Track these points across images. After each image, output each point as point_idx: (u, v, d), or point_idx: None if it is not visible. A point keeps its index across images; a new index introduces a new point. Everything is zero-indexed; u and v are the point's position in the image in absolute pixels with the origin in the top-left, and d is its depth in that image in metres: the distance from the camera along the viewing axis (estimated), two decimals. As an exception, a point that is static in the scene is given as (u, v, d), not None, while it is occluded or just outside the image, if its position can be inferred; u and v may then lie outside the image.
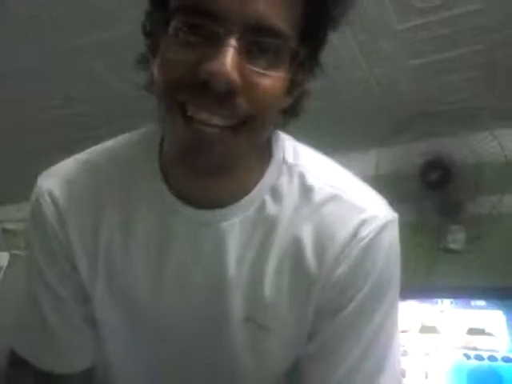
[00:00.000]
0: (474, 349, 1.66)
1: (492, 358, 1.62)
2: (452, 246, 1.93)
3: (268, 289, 0.59)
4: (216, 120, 0.48)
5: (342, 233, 0.59)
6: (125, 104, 1.92)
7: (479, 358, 1.64)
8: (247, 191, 0.60)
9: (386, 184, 2.01)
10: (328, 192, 0.61)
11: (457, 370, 1.66)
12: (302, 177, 0.61)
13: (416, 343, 1.76)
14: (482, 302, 1.70)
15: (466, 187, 1.84)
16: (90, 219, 0.63)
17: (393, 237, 0.62)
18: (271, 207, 0.60)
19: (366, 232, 0.59)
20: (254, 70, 0.48)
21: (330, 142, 2.29)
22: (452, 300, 1.75)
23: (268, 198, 0.60)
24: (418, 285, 1.90)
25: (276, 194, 0.60)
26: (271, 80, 0.49)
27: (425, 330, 1.76)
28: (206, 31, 0.47)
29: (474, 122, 1.84)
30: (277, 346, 0.62)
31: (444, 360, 1.69)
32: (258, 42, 0.48)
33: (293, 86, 0.55)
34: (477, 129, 1.86)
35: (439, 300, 1.77)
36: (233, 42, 0.46)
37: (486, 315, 1.68)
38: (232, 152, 0.51)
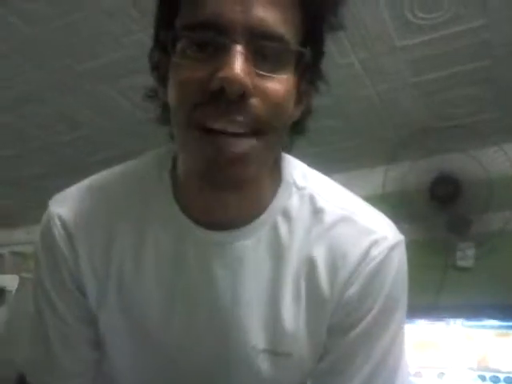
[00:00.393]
0: (490, 370, 1.62)
1: (508, 380, 1.58)
2: (461, 263, 1.90)
3: (287, 317, 0.59)
4: (233, 128, 0.49)
5: (354, 253, 0.60)
6: (131, 126, 1.95)
7: (495, 379, 1.60)
8: (259, 213, 0.60)
9: (393, 202, 2.00)
10: (338, 214, 0.62)
11: (471, 391, 1.62)
12: (312, 199, 0.62)
13: (430, 365, 1.72)
14: (494, 322, 1.66)
15: (475, 203, 1.83)
16: (101, 242, 0.63)
17: (402, 257, 0.63)
18: (283, 229, 0.61)
19: (377, 252, 0.60)
20: (261, 73, 0.49)
21: (336, 160, 2.30)
22: (463, 320, 1.72)
23: (280, 220, 0.61)
24: (428, 304, 1.87)
25: (287, 215, 0.61)
26: (279, 82, 0.51)
27: (438, 351, 1.73)
28: (212, 45, 0.49)
29: (482, 136, 1.83)
30: (292, 369, 0.62)
31: (458, 382, 1.65)
32: (263, 48, 0.49)
33: (300, 96, 0.57)
34: (485, 144, 1.85)
35: (451, 320, 1.74)
36: (240, 48, 0.48)
37: (499, 335, 1.65)
38: (250, 160, 0.51)
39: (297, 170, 0.65)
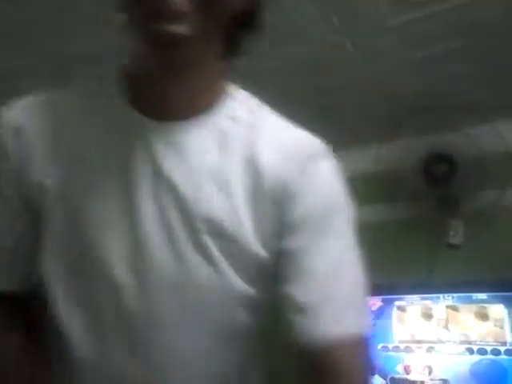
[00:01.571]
0: (477, 343, 1.66)
1: (495, 352, 1.62)
2: (453, 240, 1.93)
3: (236, 198, 0.62)
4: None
5: (294, 156, 0.64)
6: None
7: (482, 351, 1.64)
8: (206, 110, 0.64)
9: (386, 180, 2.02)
10: (279, 122, 0.67)
11: (460, 364, 1.67)
12: (257, 109, 0.67)
13: (419, 339, 1.76)
14: (483, 296, 1.70)
15: (468, 181, 1.84)
16: (49, 142, 0.64)
17: (334, 165, 0.67)
18: (229, 126, 0.64)
19: (314, 158, 0.65)
20: None
21: (329, 138, 2.29)
22: (453, 295, 1.75)
23: (226, 118, 0.64)
24: (420, 280, 1.90)
25: (233, 116, 0.65)
26: None
27: (428, 325, 1.77)
28: None
29: (474, 114, 1.83)
30: (238, 258, 0.62)
31: (447, 355, 1.70)
32: None
33: None
34: (477, 121, 1.85)
35: (441, 295, 1.77)
36: None
37: (487, 309, 1.68)
38: (181, 17, 0.54)
39: (244, 92, 0.69)
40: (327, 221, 0.63)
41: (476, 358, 1.64)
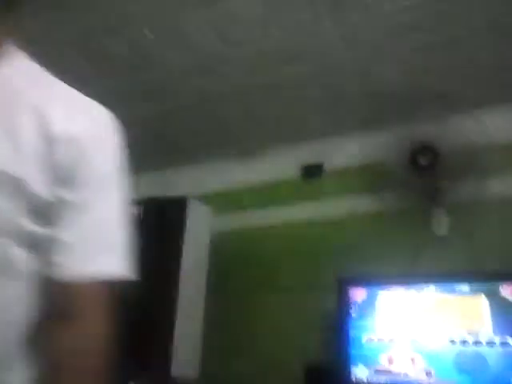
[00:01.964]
0: (460, 334, 1.68)
1: (477, 343, 1.64)
2: (437, 231, 1.94)
3: (20, 149, 0.64)
4: None
5: (86, 119, 0.69)
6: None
7: (464, 342, 1.66)
8: None
9: (371, 171, 2.02)
10: (69, 88, 0.71)
11: (442, 355, 1.68)
12: (42, 69, 0.71)
13: (402, 330, 1.77)
14: (465, 287, 1.71)
15: (453, 172, 1.85)
16: None
17: (119, 136, 0.72)
18: (15, 79, 0.67)
19: (103, 124, 0.71)
20: None
21: (314, 129, 2.28)
22: (437, 286, 1.76)
23: (11, 71, 0.67)
24: (404, 271, 1.91)
25: (20, 70, 0.69)
26: None
27: (411, 316, 1.78)
28: None
29: (459, 105, 1.84)
30: (17, 198, 0.64)
31: (430, 346, 1.71)
32: None
33: None
34: (462, 112, 1.86)
35: (424, 286, 1.78)
36: None
37: (469, 300, 1.70)
38: None
39: (28, 55, 0.71)
40: (105, 182, 0.71)
41: (459, 348, 1.66)
